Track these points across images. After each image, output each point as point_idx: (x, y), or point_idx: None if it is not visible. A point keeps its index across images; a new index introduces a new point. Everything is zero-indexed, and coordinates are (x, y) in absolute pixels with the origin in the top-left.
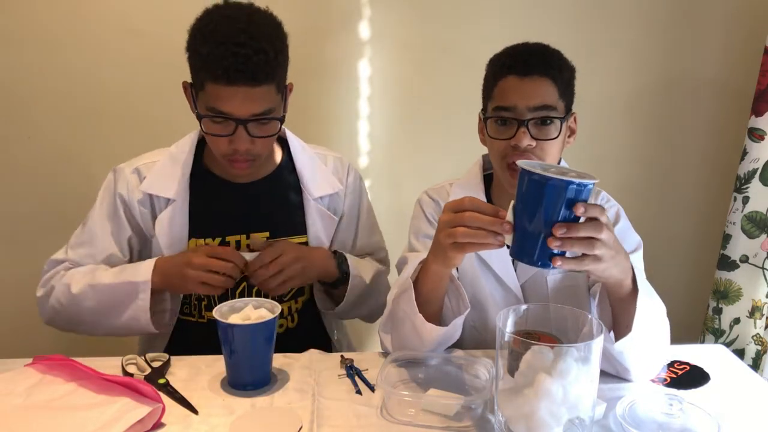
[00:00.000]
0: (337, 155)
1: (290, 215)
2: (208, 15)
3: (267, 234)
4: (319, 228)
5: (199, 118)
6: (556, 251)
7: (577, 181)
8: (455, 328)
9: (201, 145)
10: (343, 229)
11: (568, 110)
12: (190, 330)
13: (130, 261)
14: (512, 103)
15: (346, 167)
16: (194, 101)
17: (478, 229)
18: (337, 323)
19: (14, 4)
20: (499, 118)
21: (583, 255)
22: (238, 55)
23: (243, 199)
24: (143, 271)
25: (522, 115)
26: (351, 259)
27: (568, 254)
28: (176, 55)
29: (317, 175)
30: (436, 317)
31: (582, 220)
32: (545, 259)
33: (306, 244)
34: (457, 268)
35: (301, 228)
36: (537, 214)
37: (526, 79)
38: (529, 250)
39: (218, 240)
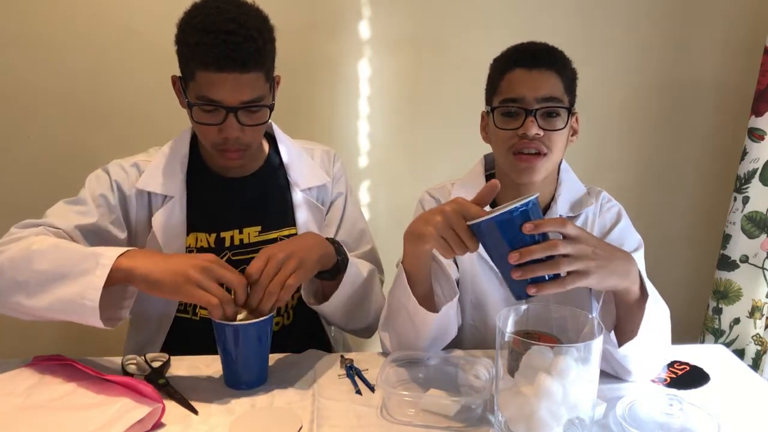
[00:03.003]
0: (324, 148)
1: (280, 208)
2: (196, 8)
3: (259, 228)
4: (308, 219)
5: (190, 106)
6: (528, 280)
7: (495, 215)
8: (448, 317)
9: (195, 141)
10: (328, 216)
11: (572, 106)
12: (188, 328)
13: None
14: (520, 94)
15: (332, 157)
16: (184, 93)
17: (450, 232)
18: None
19: (13, 3)
20: (506, 110)
21: (558, 276)
22: (228, 42)
23: (234, 194)
24: (113, 249)
25: (530, 105)
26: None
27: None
28: (176, 54)
29: (304, 168)
30: (428, 303)
31: (558, 237)
32: (522, 292)
33: (290, 237)
34: (457, 267)
35: (291, 220)
36: (493, 254)
37: (534, 71)
38: (510, 286)
39: (213, 235)
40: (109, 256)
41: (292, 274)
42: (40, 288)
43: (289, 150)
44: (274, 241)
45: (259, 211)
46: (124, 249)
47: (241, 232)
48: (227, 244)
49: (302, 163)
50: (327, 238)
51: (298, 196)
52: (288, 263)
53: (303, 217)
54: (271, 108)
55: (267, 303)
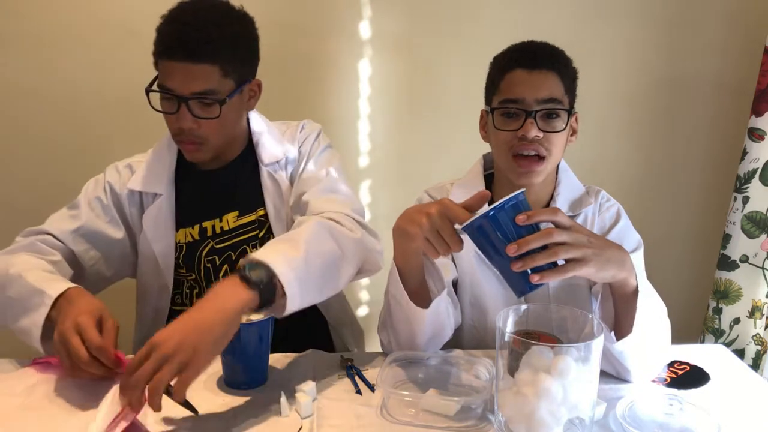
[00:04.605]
0: (301, 123)
1: (251, 190)
2: (180, 3)
3: (236, 213)
4: (273, 196)
5: (147, 92)
6: (529, 270)
7: (486, 211)
8: (439, 312)
9: None
10: (298, 183)
11: (572, 107)
12: None
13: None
14: (520, 95)
15: (300, 126)
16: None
17: (435, 233)
18: (331, 316)
19: (14, 4)
20: (506, 111)
21: (556, 264)
22: (181, 32)
23: (211, 185)
24: (57, 286)
25: (529, 106)
26: (269, 247)
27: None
28: None
29: (272, 144)
30: (423, 298)
31: (547, 226)
32: (525, 284)
33: (265, 216)
34: (456, 267)
35: (259, 201)
36: (490, 252)
37: (534, 72)
38: (511, 283)
39: (197, 228)
40: (49, 295)
41: (176, 373)
42: (10, 314)
43: (259, 130)
44: (252, 224)
45: (234, 197)
46: (66, 287)
47: (221, 221)
48: (209, 233)
49: (271, 139)
50: (242, 276)
51: (263, 174)
52: (170, 363)
53: (269, 195)
54: (222, 103)
55: (152, 403)
